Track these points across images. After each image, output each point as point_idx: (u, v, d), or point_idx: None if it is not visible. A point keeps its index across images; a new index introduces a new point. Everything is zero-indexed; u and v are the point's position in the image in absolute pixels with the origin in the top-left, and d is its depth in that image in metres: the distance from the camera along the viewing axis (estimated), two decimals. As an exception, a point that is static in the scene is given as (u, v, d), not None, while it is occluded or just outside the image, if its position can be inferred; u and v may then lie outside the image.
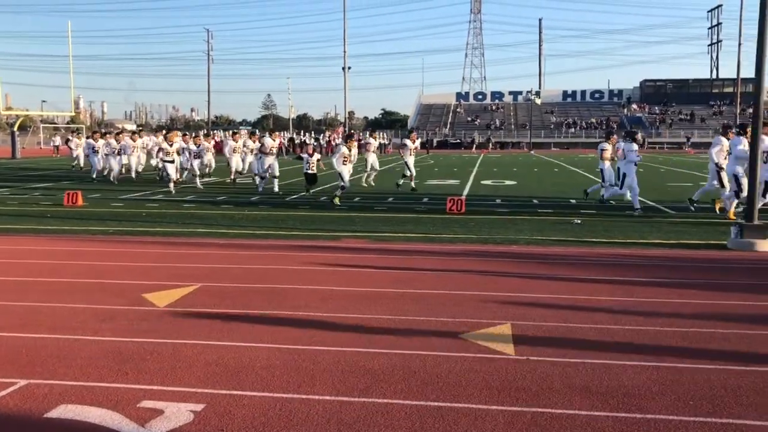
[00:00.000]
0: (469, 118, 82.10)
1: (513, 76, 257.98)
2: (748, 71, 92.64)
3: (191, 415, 3.75)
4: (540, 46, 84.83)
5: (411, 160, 19.43)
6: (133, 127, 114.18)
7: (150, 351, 4.88)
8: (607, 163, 15.48)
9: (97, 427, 3.61)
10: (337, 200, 15.35)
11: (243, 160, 22.09)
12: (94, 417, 3.72)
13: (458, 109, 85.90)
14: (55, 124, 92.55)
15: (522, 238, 10.33)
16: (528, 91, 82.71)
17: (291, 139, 56.64)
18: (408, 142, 19.63)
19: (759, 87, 9.54)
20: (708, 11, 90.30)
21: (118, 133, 24.79)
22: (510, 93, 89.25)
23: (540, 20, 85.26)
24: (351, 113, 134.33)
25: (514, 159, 44.83)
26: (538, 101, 78.56)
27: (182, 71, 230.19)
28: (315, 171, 17.50)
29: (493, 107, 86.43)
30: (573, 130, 76.71)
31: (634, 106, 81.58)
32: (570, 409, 3.87)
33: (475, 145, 70.34)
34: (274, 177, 18.48)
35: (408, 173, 19.41)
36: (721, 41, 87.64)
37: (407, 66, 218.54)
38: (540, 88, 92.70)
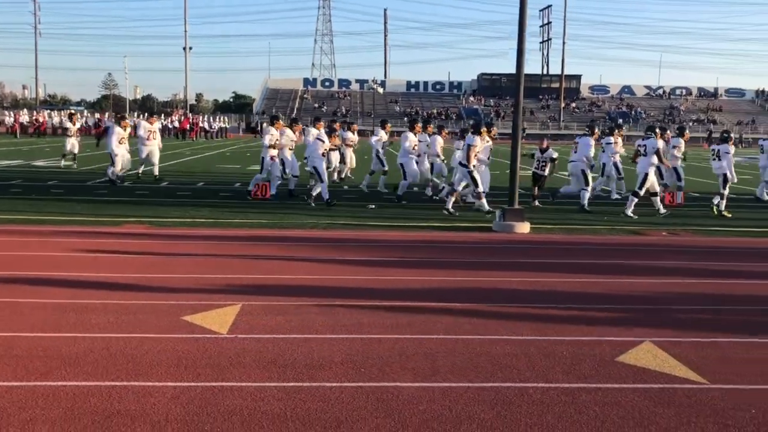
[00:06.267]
0: (317, 105, 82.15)
1: (363, 64, 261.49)
2: (572, 68, 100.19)
3: None
4: (385, 36, 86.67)
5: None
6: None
7: None
8: None
9: None
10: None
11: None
12: None
13: (305, 96, 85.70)
14: None
15: (309, 222, 10.58)
16: (373, 80, 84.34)
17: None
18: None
19: (519, 82, 10.39)
20: (540, 10, 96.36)
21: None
22: (357, 81, 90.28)
23: (385, 10, 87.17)
24: (200, 95, 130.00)
25: (352, 146, 45.48)
26: (381, 90, 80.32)
27: (11, 44, 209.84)
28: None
29: (340, 95, 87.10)
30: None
31: (472, 98, 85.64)
32: (244, 382, 4.06)
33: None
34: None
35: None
36: (550, 39, 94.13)
37: (254, 49, 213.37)
38: (386, 77, 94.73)
